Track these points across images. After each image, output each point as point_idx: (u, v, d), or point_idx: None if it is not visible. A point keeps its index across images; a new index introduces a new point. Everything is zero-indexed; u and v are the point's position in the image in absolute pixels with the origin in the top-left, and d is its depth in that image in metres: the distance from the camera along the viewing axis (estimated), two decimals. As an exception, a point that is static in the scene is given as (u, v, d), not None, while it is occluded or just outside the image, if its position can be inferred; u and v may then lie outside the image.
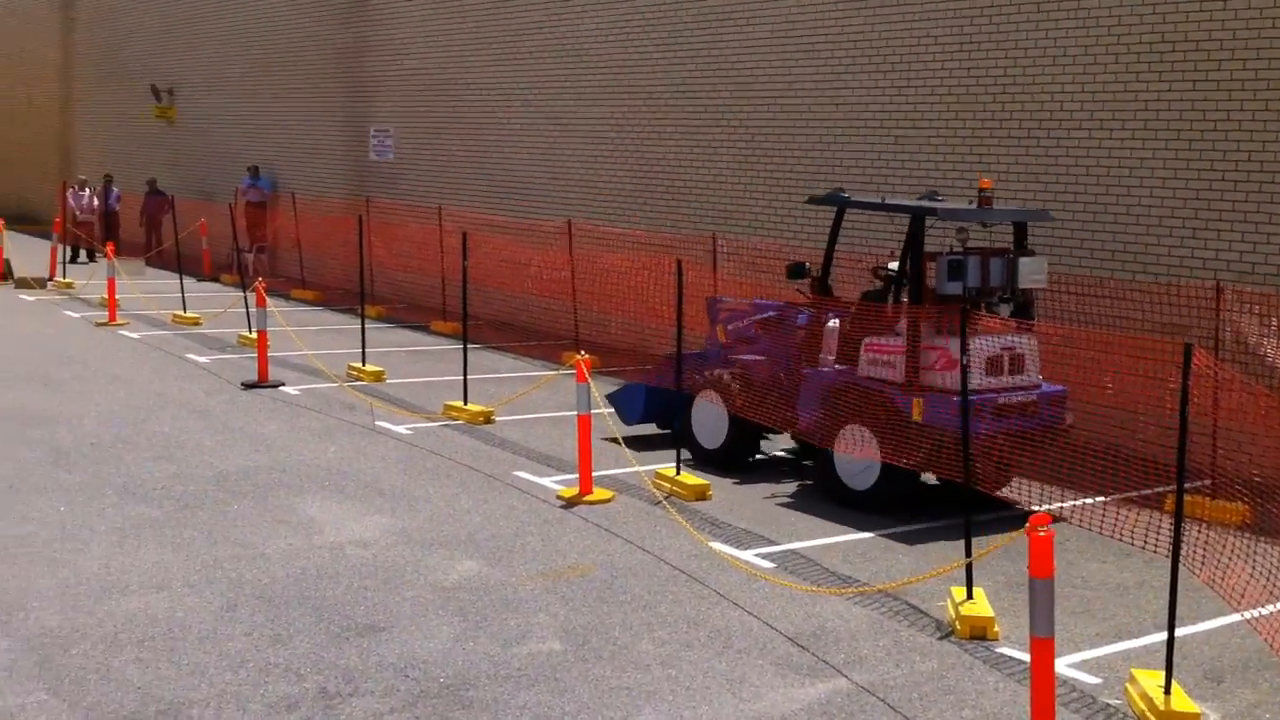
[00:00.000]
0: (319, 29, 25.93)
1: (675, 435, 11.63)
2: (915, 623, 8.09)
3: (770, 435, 12.11)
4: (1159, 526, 8.16)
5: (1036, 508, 10.00)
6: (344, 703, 6.62)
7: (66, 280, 24.51)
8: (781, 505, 10.72)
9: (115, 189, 29.60)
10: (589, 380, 10.85)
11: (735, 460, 11.79)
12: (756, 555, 9.30)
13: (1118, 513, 9.11)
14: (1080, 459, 9.94)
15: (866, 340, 10.69)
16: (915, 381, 10.25)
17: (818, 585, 8.68)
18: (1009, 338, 10.34)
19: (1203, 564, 7.57)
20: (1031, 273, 10.61)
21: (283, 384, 15.09)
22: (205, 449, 11.88)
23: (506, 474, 11.41)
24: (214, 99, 29.70)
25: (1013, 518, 10.08)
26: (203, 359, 16.80)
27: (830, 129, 15.76)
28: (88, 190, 29.31)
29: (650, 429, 12.96)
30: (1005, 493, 10.81)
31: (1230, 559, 7.50)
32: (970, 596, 8.11)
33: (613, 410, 12.82)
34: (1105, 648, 7.77)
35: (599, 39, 19.38)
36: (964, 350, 8.46)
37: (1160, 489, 9.67)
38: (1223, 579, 7.30)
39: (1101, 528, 8.75)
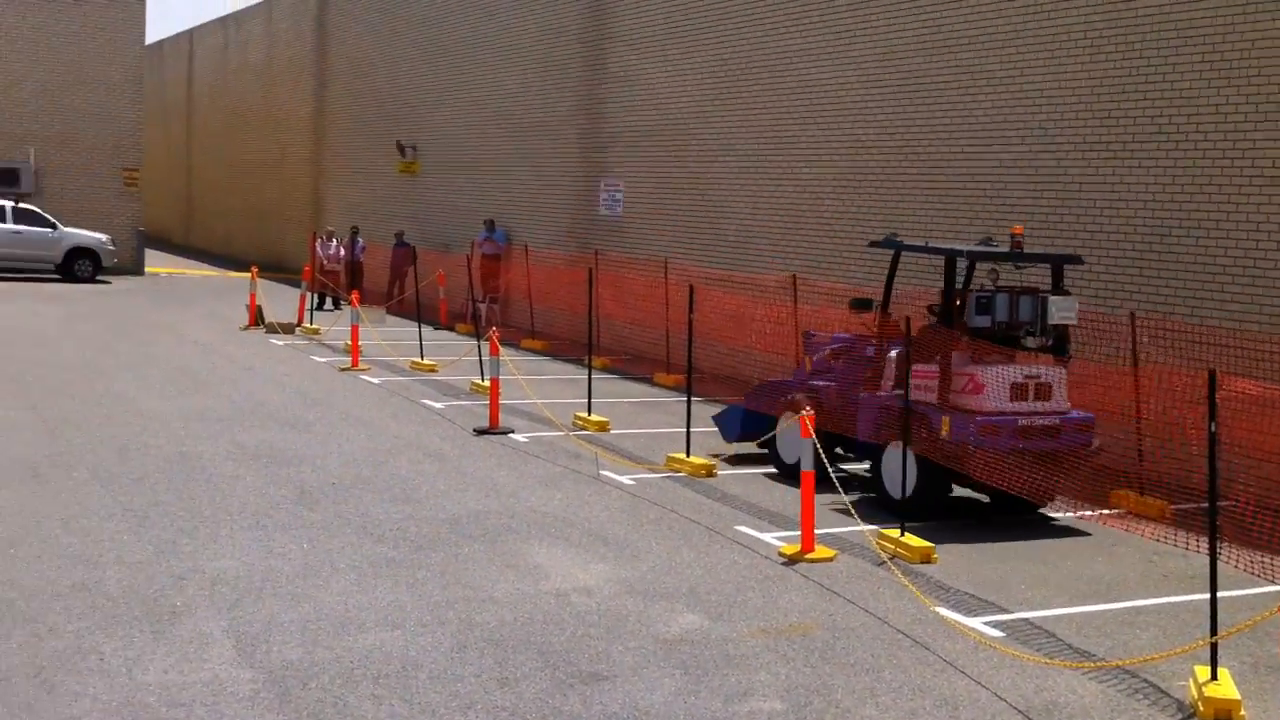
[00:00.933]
0: (554, 88, 26.71)
1: (767, 451, 13.61)
2: (1155, 702, 7.73)
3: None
4: None
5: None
6: (567, 750, 6.71)
7: (313, 326, 25.75)
8: (1010, 572, 10.42)
9: (360, 240, 31.01)
10: (813, 435, 10.80)
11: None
12: (984, 623, 9.06)
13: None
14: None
15: (913, 367, 11.80)
16: (947, 402, 11.74)
17: (1050, 657, 8.39)
18: (1034, 367, 11.76)
19: None
20: (1060, 310, 11.94)
21: (512, 431, 15.50)
22: (439, 492, 12.27)
23: (728, 528, 11.43)
24: (454, 155, 30.90)
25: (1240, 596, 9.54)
26: (438, 405, 17.40)
27: (1075, 184, 15.37)
28: (335, 240, 30.78)
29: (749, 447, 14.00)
30: (1235, 568, 10.25)
31: None
32: (1214, 677, 7.71)
33: (720, 430, 14.61)
34: (1365, 740, 7.27)
35: (828, 93, 19.39)
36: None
37: None
38: None
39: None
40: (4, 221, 32.74)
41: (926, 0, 17.60)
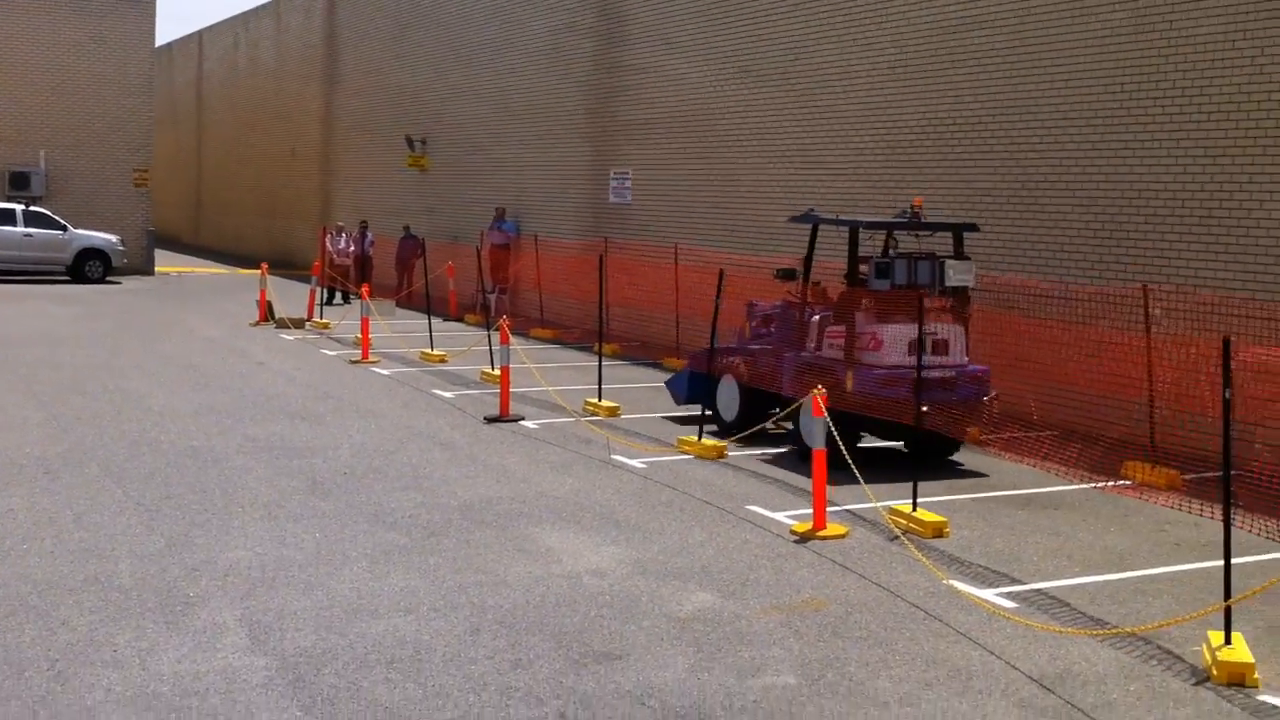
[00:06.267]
0: (564, 78, 26.68)
1: (710, 412, 14.48)
2: (1169, 667, 7.70)
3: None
4: None
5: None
6: (581, 728, 6.71)
7: (323, 320, 25.79)
8: (1023, 545, 10.39)
9: (370, 234, 31.03)
10: (824, 415, 10.78)
11: (746, 428, 13.85)
12: (998, 594, 9.04)
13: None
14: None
15: (828, 329, 13.40)
16: (851, 358, 12.86)
17: (1063, 626, 8.37)
18: (932, 325, 12.51)
19: None
20: (958, 273, 12.96)
21: (523, 418, 15.51)
22: (450, 480, 12.29)
23: (739, 508, 11.42)
24: (463, 147, 30.90)
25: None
26: (448, 394, 17.41)
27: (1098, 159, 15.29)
28: (344, 235, 30.80)
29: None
30: (1253, 534, 10.20)
31: None
32: (1228, 641, 7.68)
33: (688, 397, 15.13)
34: (1382, 701, 7.23)
35: (838, 79, 19.33)
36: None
37: None
38: None
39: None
40: (15, 225, 32.84)
41: (928, -24, 17.54)
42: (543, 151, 27.49)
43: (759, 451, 13.78)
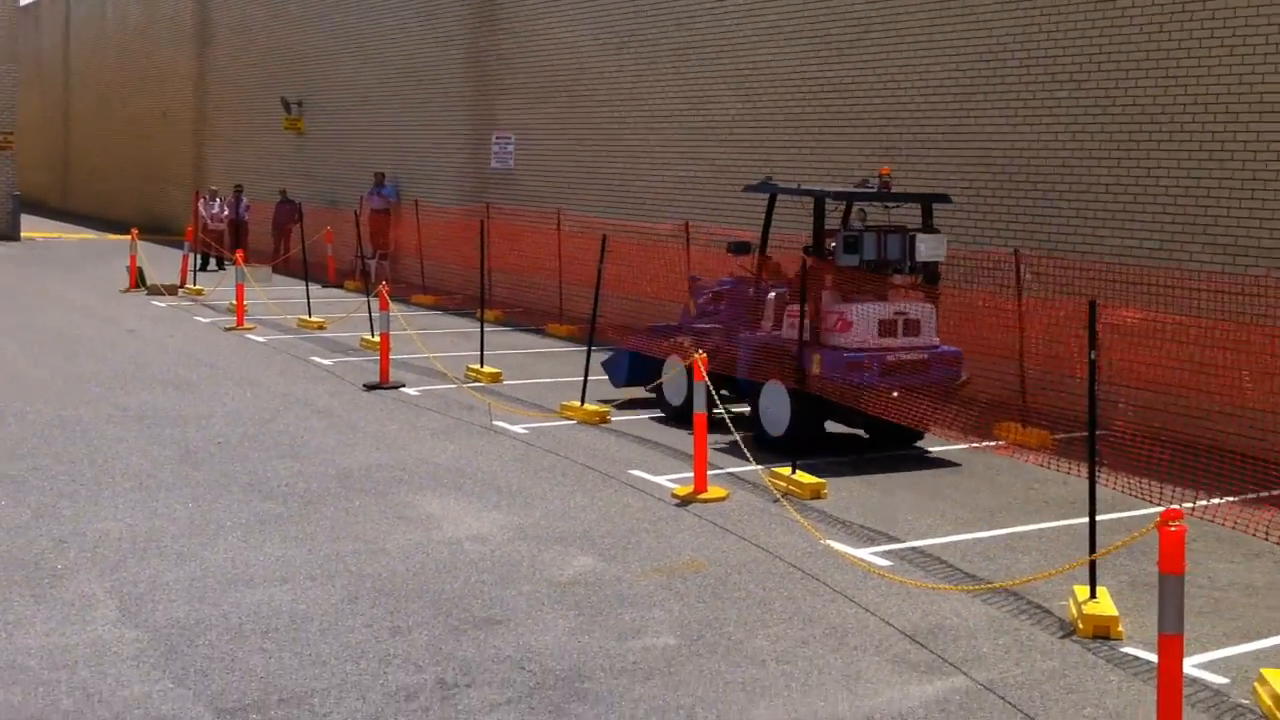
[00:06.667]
0: (444, 41, 26.33)
1: (656, 396, 13.56)
2: (1037, 621, 7.92)
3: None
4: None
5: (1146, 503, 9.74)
6: (461, 693, 6.69)
7: (197, 287, 25.23)
8: (899, 505, 10.59)
9: (245, 198, 30.37)
10: (705, 379, 10.84)
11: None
12: (873, 553, 9.20)
13: (1251, 513, 8.82)
14: (1206, 459, 9.67)
15: (787, 307, 12.40)
16: (817, 340, 11.90)
17: (936, 582, 8.55)
18: (903, 304, 12.00)
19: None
20: (929, 247, 12.08)
21: (403, 385, 15.35)
22: (328, 448, 12.12)
23: (622, 472, 11.45)
24: (342, 110, 30.35)
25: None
26: (326, 362, 17.16)
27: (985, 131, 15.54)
28: (218, 200, 30.13)
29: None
30: (1114, 490, 10.54)
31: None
32: (1094, 595, 7.92)
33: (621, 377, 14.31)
34: (1234, 648, 7.53)
35: (715, 43, 19.37)
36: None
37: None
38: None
39: (1234, 523, 8.47)
40: None
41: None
42: (423, 115, 27.13)
43: (643, 416, 13.81)
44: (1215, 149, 12.91)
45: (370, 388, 15.20)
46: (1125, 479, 9.56)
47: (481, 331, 16.65)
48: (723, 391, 13.01)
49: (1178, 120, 13.26)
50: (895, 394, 11.31)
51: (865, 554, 9.15)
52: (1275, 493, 9.45)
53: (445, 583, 8.38)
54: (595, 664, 7.10)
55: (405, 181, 27.63)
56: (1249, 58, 12.63)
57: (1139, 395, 11.13)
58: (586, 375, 14.07)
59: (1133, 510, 10.14)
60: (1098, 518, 8.24)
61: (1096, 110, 14.04)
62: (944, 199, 12.98)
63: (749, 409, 12.87)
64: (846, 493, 10.91)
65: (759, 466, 11.15)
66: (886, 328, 11.94)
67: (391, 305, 16.06)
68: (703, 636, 7.54)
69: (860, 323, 11.86)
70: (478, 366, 16.17)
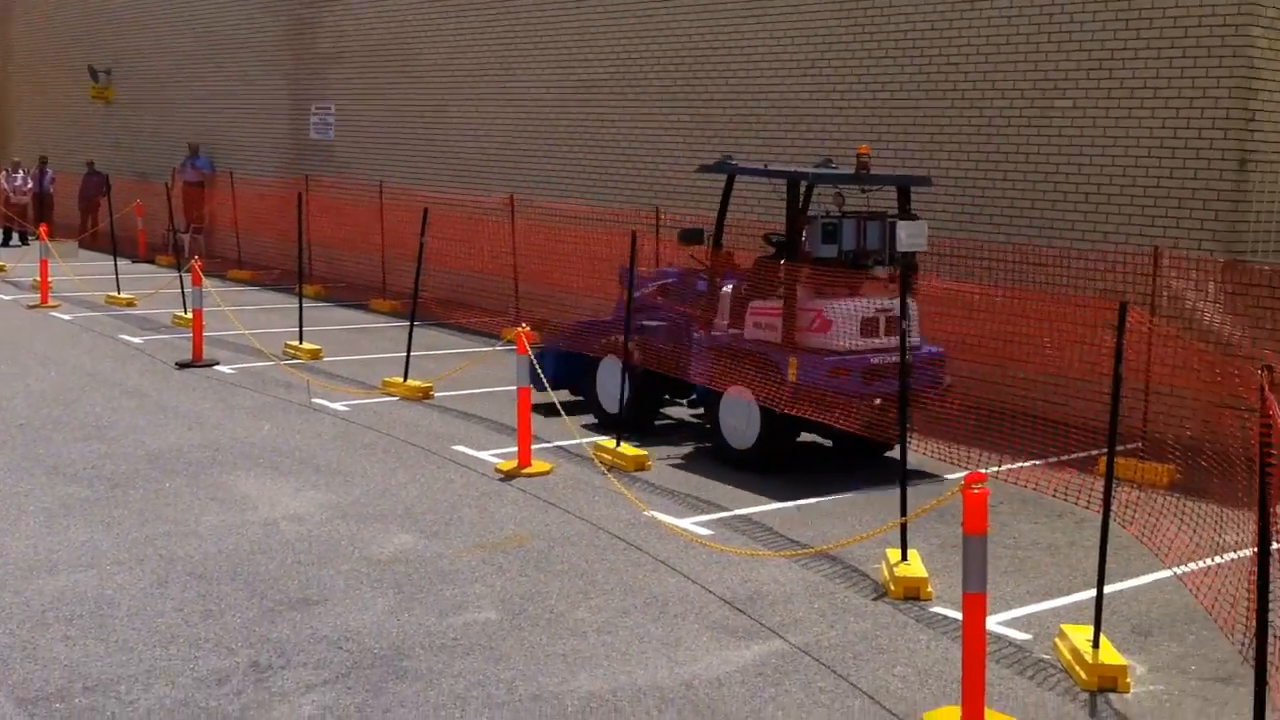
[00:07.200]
0: (260, 7, 25.57)
1: (584, 399, 12.11)
2: (851, 584, 8.12)
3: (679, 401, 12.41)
4: (1091, 486, 8.22)
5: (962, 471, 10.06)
6: (276, 675, 6.54)
7: (-1, 264, 24.13)
8: (721, 475, 10.71)
9: (50, 170, 29.11)
10: (529, 353, 10.79)
11: (637, 422, 11.76)
12: (694, 523, 9.30)
13: (1054, 475, 9.18)
14: (1013, 423, 10.01)
15: (751, 304, 10.86)
16: (791, 342, 10.43)
17: (755, 550, 8.69)
18: (885, 299, 10.57)
19: (1132, 521, 7.63)
20: (910, 236, 10.35)
21: (218, 363, 14.92)
22: (138, 428, 11.71)
23: (445, 449, 11.34)
24: (153, 79, 29.26)
25: (933, 485, 10.14)
26: (136, 340, 16.57)
27: (780, 103, 15.75)
28: (21, 172, 28.82)
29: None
30: (925, 455, 10.84)
31: (1159, 517, 7.56)
32: (905, 558, 8.15)
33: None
34: (1036, 605, 7.83)
35: (546, 13, 19.24)
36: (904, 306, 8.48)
37: (1093, 452, 9.75)
38: (1151, 535, 7.36)
39: (1036, 485, 8.79)
40: None
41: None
42: (239, 84, 26.33)
43: (469, 392, 13.69)
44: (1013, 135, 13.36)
45: (183, 366, 14.73)
46: (933, 444, 9.82)
47: (300, 307, 16.28)
48: (668, 397, 12.14)
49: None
50: (878, 401, 10.05)
51: (688, 523, 9.24)
52: (1076, 455, 9.85)
53: (260, 564, 8.19)
54: (415, 641, 7.02)
55: (221, 153, 26.80)
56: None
57: (953, 364, 11.42)
58: (409, 350, 13.86)
59: (948, 475, 10.46)
60: (909, 486, 8.46)
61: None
62: (924, 181, 11.52)
63: (702, 416, 11.81)
64: (670, 465, 10.99)
65: (584, 440, 11.15)
66: (869, 327, 10.53)
67: (207, 281, 15.59)
68: (524, 610, 7.52)
69: (841, 321, 10.40)
70: (296, 343, 15.82)
